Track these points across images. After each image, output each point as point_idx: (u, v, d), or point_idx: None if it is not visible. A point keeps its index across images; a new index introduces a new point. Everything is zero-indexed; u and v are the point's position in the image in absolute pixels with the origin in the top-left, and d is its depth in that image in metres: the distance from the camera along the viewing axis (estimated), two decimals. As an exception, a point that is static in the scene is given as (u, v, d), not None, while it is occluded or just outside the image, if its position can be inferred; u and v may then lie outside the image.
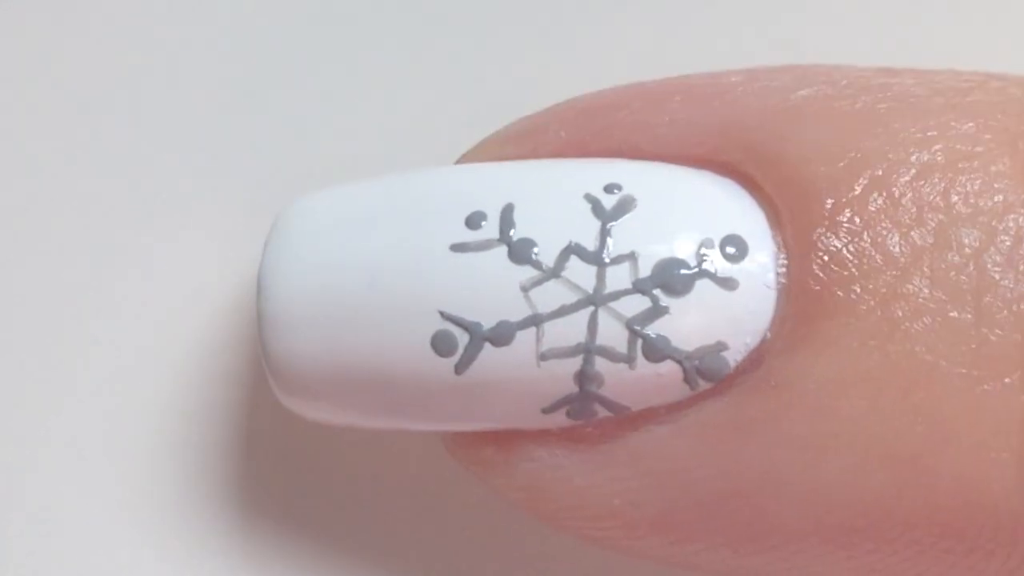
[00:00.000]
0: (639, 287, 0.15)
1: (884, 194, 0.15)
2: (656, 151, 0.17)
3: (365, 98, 0.21)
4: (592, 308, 0.15)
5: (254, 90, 0.21)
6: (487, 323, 0.15)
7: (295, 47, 0.21)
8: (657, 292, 0.15)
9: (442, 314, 0.16)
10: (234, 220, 0.20)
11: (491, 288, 0.16)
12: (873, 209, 0.15)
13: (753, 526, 0.16)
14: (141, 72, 0.21)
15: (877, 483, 0.15)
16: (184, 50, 0.21)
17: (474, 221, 0.16)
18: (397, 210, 0.16)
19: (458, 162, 0.18)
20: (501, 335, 0.15)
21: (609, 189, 0.16)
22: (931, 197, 0.15)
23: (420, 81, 0.21)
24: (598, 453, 0.16)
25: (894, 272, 0.15)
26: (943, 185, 0.15)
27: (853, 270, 0.15)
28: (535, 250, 0.16)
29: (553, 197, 0.16)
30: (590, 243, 0.16)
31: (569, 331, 0.15)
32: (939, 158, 0.16)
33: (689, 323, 0.15)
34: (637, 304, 0.15)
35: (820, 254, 0.15)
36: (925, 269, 0.15)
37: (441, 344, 0.16)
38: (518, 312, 0.15)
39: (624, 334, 0.15)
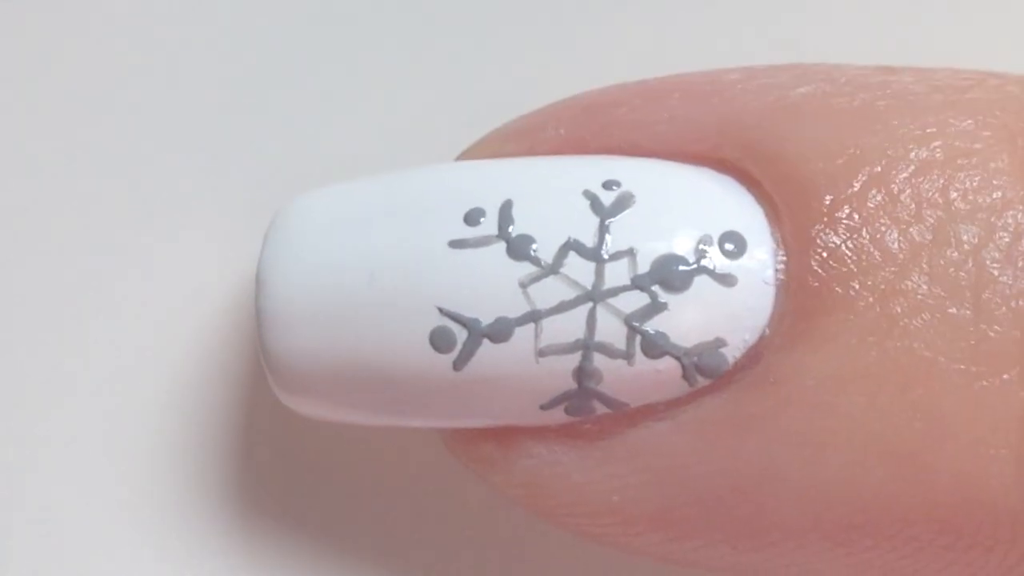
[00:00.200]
0: (638, 283, 0.15)
1: (883, 191, 0.15)
2: (655, 148, 0.17)
3: (365, 98, 0.21)
4: (591, 304, 0.15)
5: (254, 90, 0.21)
6: (486, 319, 0.15)
7: (295, 47, 0.21)
8: (656, 288, 0.15)
9: (441, 310, 0.16)
10: (234, 220, 0.20)
11: (490, 284, 0.16)
12: (872, 206, 0.15)
13: (752, 522, 0.16)
14: (141, 72, 0.21)
15: (876, 479, 0.15)
16: (184, 50, 0.21)
17: (473, 217, 0.16)
18: (396, 207, 0.16)
19: (457, 159, 0.18)
20: (500, 331, 0.15)
21: (608, 185, 0.16)
22: (930, 194, 0.15)
23: (420, 81, 0.21)
24: (597, 449, 0.16)
25: (893, 268, 0.15)
26: (942, 182, 0.15)
27: (852, 266, 0.15)
28: (534, 246, 0.16)
29: (552, 193, 0.16)
30: (589, 239, 0.16)
31: (568, 327, 0.15)
32: (938, 155, 0.16)
33: (688, 319, 0.15)
34: (636, 300, 0.15)
35: (819, 250, 0.15)
36: (924, 265, 0.15)
37: (440, 340, 0.16)
38: (517, 308, 0.15)
39: (623, 330, 0.15)
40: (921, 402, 0.15)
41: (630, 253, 0.15)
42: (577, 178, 0.16)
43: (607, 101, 0.17)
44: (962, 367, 0.15)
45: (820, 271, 0.15)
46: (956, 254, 0.15)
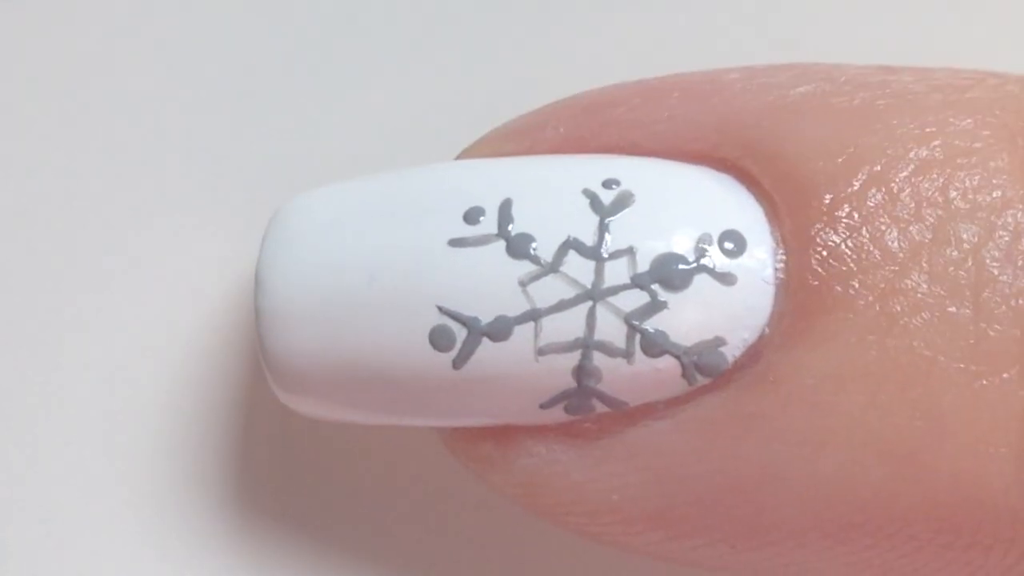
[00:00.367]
0: (637, 282, 0.15)
1: (883, 190, 0.15)
2: (654, 147, 0.17)
3: (365, 98, 0.21)
4: (590, 303, 0.15)
5: (254, 90, 0.21)
6: (485, 318, 0.15)
7: (295, 47, 0.21)
8: (655, 287, 0.15)
9: (440, 309, 0.16)
10: (234, 220, 0.20)
11: (489, 283, 0.16)
12: (872, 205, 0.15)
13: (751, 522, 0.16)
14: (141, 72, 0.21)
15: (875, 479, 0.15)
16: (184, 50, 0.21)
17: (472, 216, 0.16)
18: (395, 206, 0.16)
19: (457, 159, 0.18)
20: (499, 330, 0.15)
21: (607, 184, 0.16)
22: (930, 193, 0.15)
23: (420, 81, 0.21)
24: (596, 448, 0.16)
25: (892, 267, 0.15)
26: (942, 181, 0.15)
27: (851, 265, 0.15)
28: (533, 245, 0.16)
29: (551, 192, 0.16)
30: (588, 238, 0.16)
31: (567, 326, 0.15)
32: (938, 154, 0.16)
33: (687, 318, 0.15)
34: (635, 299, 0.15)
35: (819, 249, 0.15)
36: (924, 264, 0.15)
37: (439, 339, 0.16)
38: (516, 307, 0.15)
39: (622, 329, 0.15)
40: (921, 401, 0.15)
41: (630, 252, 0.15)
42: (577, 177, 0.16)
43: (607, 100, 0.17)
44: (962, 366, 0.15)
45: (820, 270, 0.15)
46: (956, 253, 0.15)
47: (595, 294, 0.15)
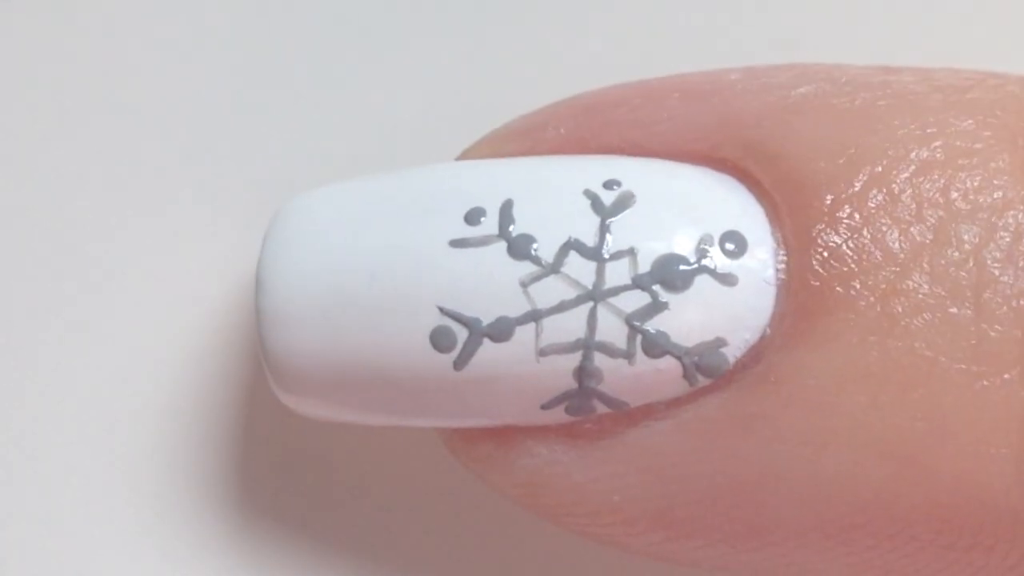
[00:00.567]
0: (638, 283, 0.15)
1: (884, 190, 0.15)
2: (655, 148, 0.17)
3: (365, 98, 0.21)
4: (591, 304, 0.15)
5: (254, 90, 0.21)
6: (486, 319, 0.15)
7: (295, 47, 0.21)
8: (656, 288, 0.15)
9: (441, 310, 0.16)
10: (234, 220, 0.20)
11: (490, 284, 0.16)
12: (873, 205, 0.15)
13: (752, 522, 0.16)
14: (141, 72, 0.21)
15: (876, 479, 0.15)
16: (184, 50, 0.21)
17: (473, 217, 0.16)
18: (396, 206, 0.16)
19: (457, 159, 0.18)
20: (500, 331, 0.15)
21: (608, 185, 0.16)
22: (931, 193, 0.15)
23: (420, 81, 0.21)
24: (597, 449, 0.16)
25: (894, 268, 0.15)
26: (943, 181, 0.15)
27: (853, 266, 0.15)
28: (534, 246, 0.16)
29: (552, 193, 0.16)
30: (589, 239, 0.16)
31: (568, 327, 0.15)
32: (938, 155, 0.16)
33: (688, 319, 0.15)
34: (636, 300, 0.15)
35: (820, 250, 0.15)
36: (925, 265, 0.15)
37: (440, 340, 0.16)
38: (517, 308, 0.15)
39: (623, 330, 0.15)
40: (922, 402, 0.15)
41: (631, 252, 0.15)
42: (578, 178, 0.16)
43: (607, 101, 0.17)
44: (963, 367, 0.15)
45: (821, 271, 0.15)
46: (957, 254, 0.15)
47: (596, 295, 0.15)
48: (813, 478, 0.15)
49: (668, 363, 0.15)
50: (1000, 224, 0.15)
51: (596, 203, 0.16)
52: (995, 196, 0.15)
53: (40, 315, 0.20)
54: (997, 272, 0.15)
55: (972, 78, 0.17)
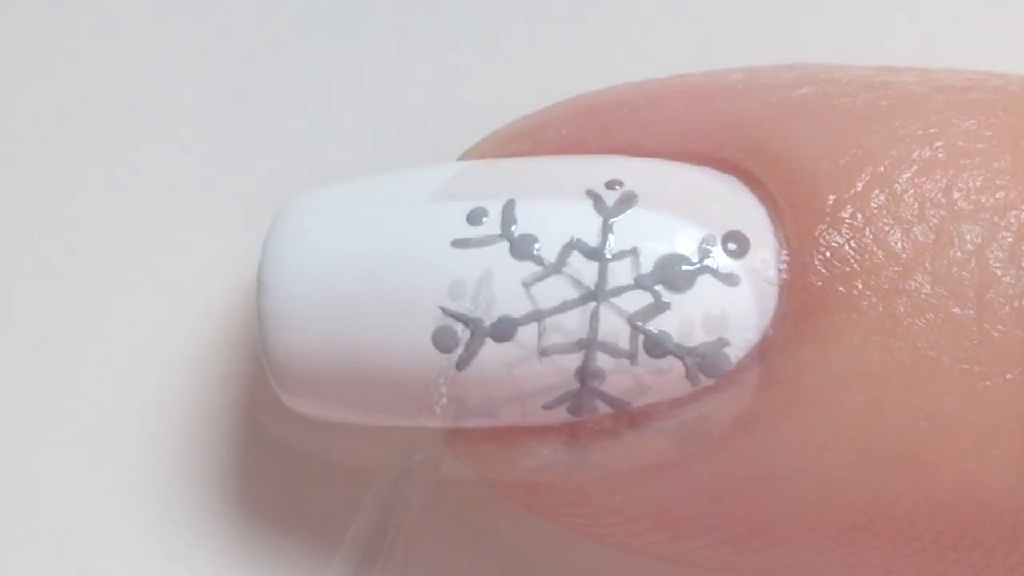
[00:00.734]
0: (641, 283, 0.15)
1: (886, 191, 0.15)
2: (657, 148, 0.17)
3: (365, 98, 0.21)
4: (594, 304, 0.15)
5: (254, 90, 0.21)
6: (488, 319, 0.15)
7: (295, 47, 0.21)
8: (659, 288, 0.15)
9: (443, 310, 0.16)
10: (234, 220, 0.20)
11: (493, 284, 0.16)
12: (875, 205, 0.15)
13: (754, 522, 0.16)
14: (141, 72, 0.21)
15: (878, 479, 0.15)
16: (184, 50, 0.21)
17: (476, 217, 0.16)
18: (398, 207, 0.16)
19: (459, 159, 0.18)
20: (503, 331, 0.15)
21: (611, 185, 0.16)
22: (933, 194, 0.15)
23: (420, 81, 0.21)
24: (599, 449, 0.16)
25: (896, 268, 0.15)
26: (945, 182, 0.15)
27: (855, 266, 0.15)
28: (537, 246, 0.16)
29: (555, 193, 0.16)
30: (592, 239, 0.16)
31: (571, 327, 0.15)
32: (941, 155, 0.16)
33: (691, 319, 0.15)
34: (639, 300, 0.15)
35: (822, 250, 0.15)
36: (927, 265, 0.15)
37: (443, 339, 0.16)
38: (520, 308, 0.15)
39: (626, 330, 0.15)
40: (924, 402, 0.15)
41: (633, 253, 0.15)
42: (580, 178, 0.16)
43: (609, 101, 0.17)
44: (965, 367, 0.15)
45: (823, 271, 0.15)
46: (959, 254, 0.15)
47: (598, 295, 0.15)
48: (815, 478, 0.15)
49: (670, 363, 0.15)
50: (1002, 224, 0.15)
51: (598, 203, 0.16)
52: (997, 196, 0.15)
53: (40, 315, 0.20)
54: (999, 272, 0.15)
55: (974, 78, 0.17)
